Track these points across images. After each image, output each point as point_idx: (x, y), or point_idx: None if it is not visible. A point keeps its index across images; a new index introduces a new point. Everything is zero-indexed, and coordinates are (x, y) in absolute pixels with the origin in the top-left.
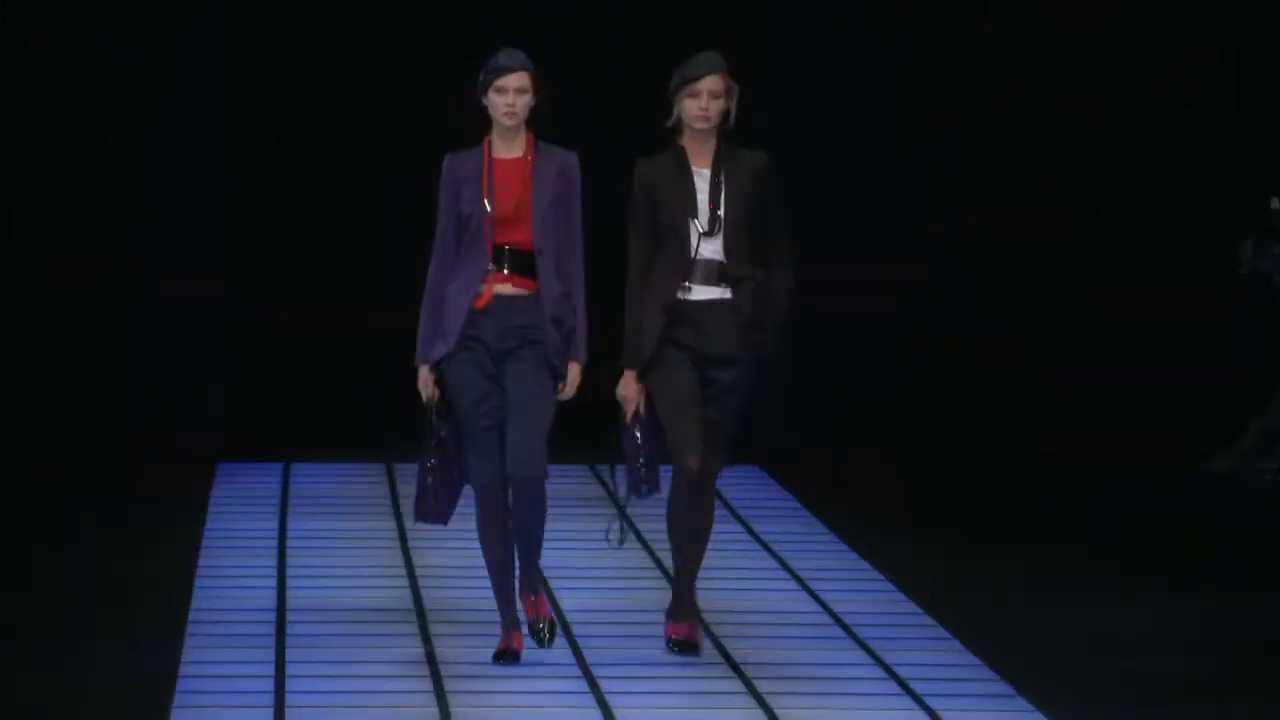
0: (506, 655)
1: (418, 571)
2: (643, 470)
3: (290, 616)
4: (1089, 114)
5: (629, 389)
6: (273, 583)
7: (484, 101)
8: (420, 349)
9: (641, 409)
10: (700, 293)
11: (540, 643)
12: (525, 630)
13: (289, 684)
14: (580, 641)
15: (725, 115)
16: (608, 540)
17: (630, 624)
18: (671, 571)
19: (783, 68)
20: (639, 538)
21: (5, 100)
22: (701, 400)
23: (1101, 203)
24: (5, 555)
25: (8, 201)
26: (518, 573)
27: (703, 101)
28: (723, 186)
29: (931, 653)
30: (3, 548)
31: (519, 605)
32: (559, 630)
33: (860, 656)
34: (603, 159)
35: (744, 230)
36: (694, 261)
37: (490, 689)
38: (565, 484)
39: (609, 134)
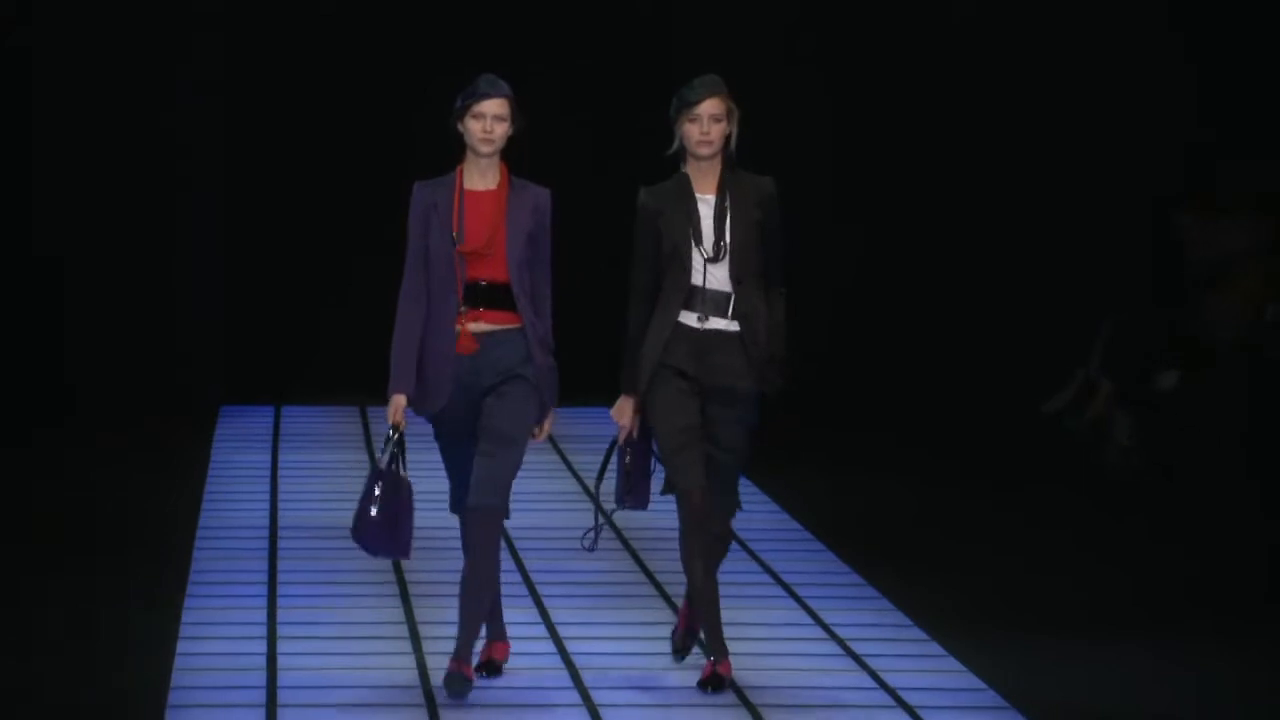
0: (487, 668)
1: None
2: (628, 490)
3: (281, 533)
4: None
5: (624, 414)
6: (266, 505)
7: (459, 128)
8: (394, 377)
9: (634, 433)
10: (705, 323)
11: (487, 675)
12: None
13: (280, 589)
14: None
15: (727, 139)
16: (583, 544)
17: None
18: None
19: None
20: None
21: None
22: (702, 434)
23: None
24: (53, 479)
25: (28, 169)
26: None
27: (703, 126)
28: (728, 213)
29: (854, 600)
30: (50, 474)
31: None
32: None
33: (801, 614)
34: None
35: (750, 258)
36: (698, 290)
37: (451, 604)
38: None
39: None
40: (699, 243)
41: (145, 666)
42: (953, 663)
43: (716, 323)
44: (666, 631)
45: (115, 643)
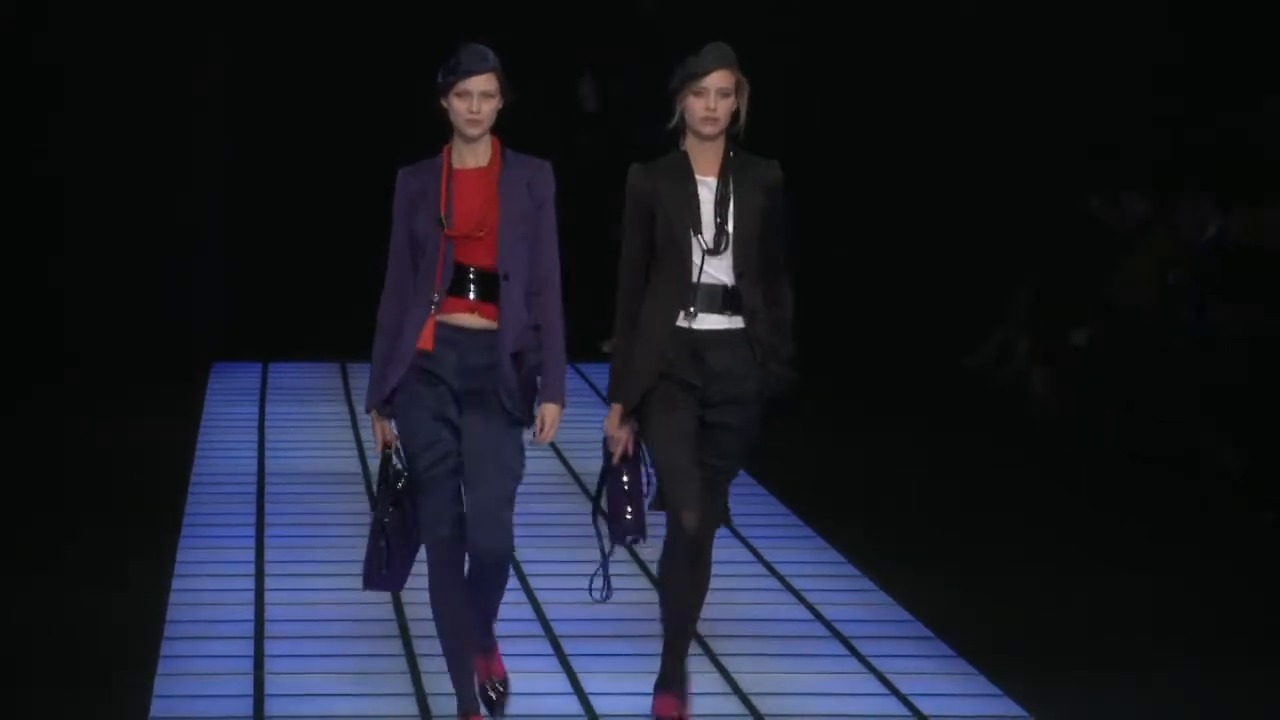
0: None
1: (365, 445)
2: (629, 519)
3: (269, 479)
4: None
5: (616, 427)
6: (255, 453)
7: (444, 105)
8: (371, 393)
9: (630, 449)
10: (704, 321)
11: (490, 709)
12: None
13: (268, 530)
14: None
15: (735, 116)
16: (591, 594)
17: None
18: (662, 636)
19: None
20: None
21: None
22: (701, 447)
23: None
24: (54, 431)
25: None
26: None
27: (709, 100)
28: (731, 198)
29: (805, 550)
30: (52, 427)
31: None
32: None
33: (744, 552)
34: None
35: (754, 249)
36: (697, 285)
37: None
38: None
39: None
40: (698, 231)
41: (143, 601)
42: (882, 596)
43: (714, 320)
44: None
45: (115, 579)
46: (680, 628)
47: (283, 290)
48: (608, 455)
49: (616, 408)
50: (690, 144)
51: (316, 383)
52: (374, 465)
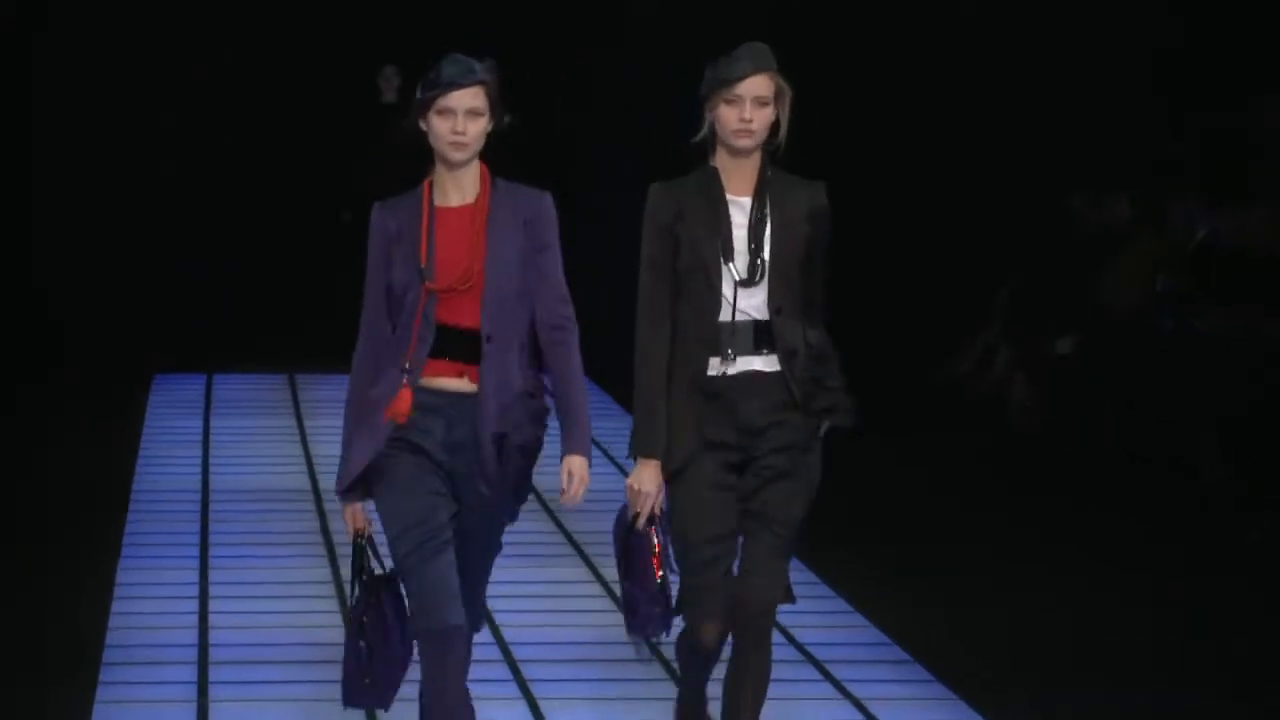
0: None
1: (314, 460)
2: (659, 610)
3: (213, 497)
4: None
5: (645, 481)
6: (198, 468)
7: (423, 126)
8: (341, 473)
9: (659, 507)
10: (738, 363)
11: None
12: None
13: (212, 549)
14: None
15: (773, 129)
16: (635, 651)
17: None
18: None
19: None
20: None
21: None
22: (735, 530)
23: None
24: (13, 446)
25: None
26: None
27: (745, 110)
28: (768, 222)
29: None
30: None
31: None
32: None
33: None
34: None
35: (795, 280)
36: (728, 323)
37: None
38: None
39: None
40: (729, 259)
41: (81, 625)
42: (858, 618)
43: (752, 362)
44: None
45: (52, 602)
46: None
47: (227, 298)
48: (622, 519)
49: (648, 464)
50: (721, 159)
51: (263, 395)
52: (323, 454)
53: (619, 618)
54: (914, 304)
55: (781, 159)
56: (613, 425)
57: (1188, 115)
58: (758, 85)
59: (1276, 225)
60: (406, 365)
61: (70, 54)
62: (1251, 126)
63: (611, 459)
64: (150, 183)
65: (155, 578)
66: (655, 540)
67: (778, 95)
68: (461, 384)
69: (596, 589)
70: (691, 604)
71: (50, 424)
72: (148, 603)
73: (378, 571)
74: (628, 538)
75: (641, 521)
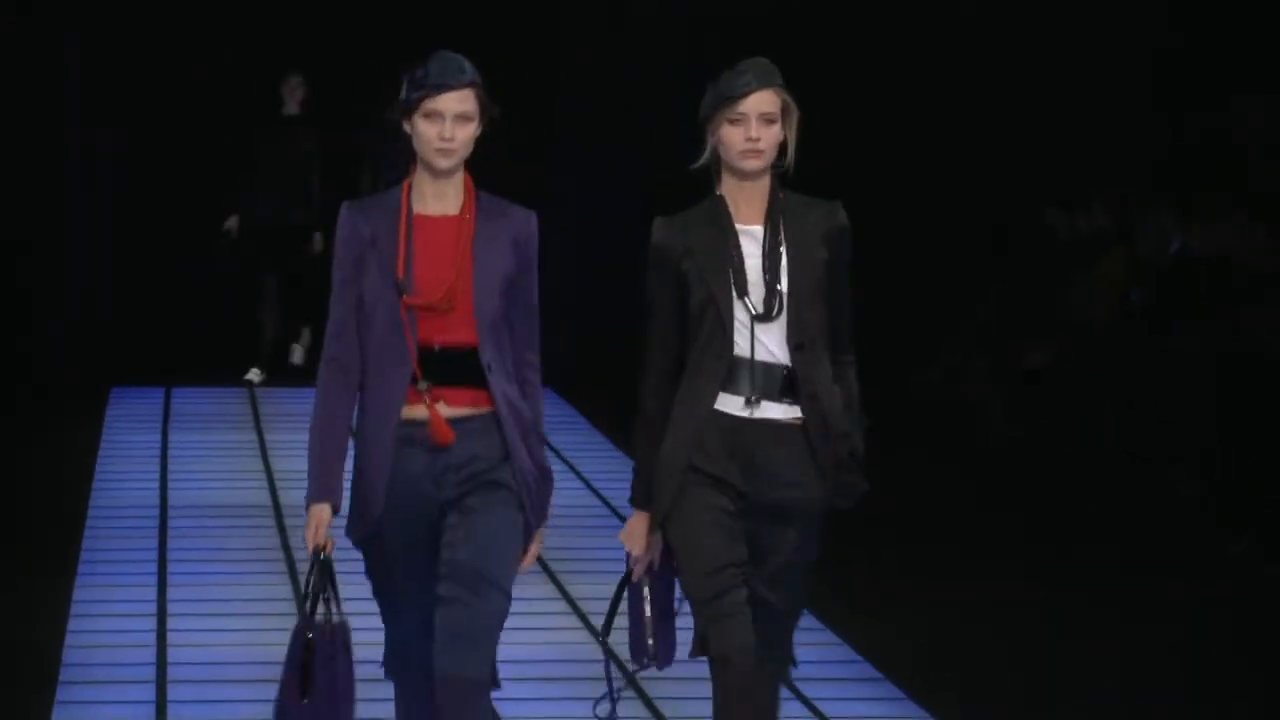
0: None
1: (275, 475)
2: (651, 645)
3: (171, 512)
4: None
5: (637, 537)
6: (156, 483)
7: (407, 130)
8: (315, 482)
9: (655, 562)
10: (755, 408)
11: None
12: None
13: (170, 567)
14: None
15: (781, 149)
16: (596, 716)
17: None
18: None
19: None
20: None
21: None
22: (743, 559)
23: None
24: None
25: None
26: None
27: (750, 128)
28: (783, 250)
29: None
30: None
31: None
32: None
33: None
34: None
35: (815, 314)
36: (743, 362)
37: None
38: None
39: None
40: (743, 294)
41: (38, 644)
42: (829, 635)
43: (771, 409)
44: None
45: (8, 620)
46: None
47: (185, 310)
48: (624, 574)
49: (639, 516)
50: (727, 186)
51: (222, 408)
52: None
53: (587, 635)
54: (892, 314)
55: (791, 181)
56: (578, 439)
57: (1172, 120)
58: (763, 101)
59: (1249, 238)
60: (421, 385)
61: (70, 53)
62: (1236, 126)
63: (578, 473)
64: (151, 183)
65: (113, 595)
66: (646, 593)
67: (784, 112)
68: (450, 409)
69: (563, 605)
70: (713, 637)
71: (2, 438)
72: (105, 620)
73: (333, 613)
74: (622, 591)
75: (636, 575)
